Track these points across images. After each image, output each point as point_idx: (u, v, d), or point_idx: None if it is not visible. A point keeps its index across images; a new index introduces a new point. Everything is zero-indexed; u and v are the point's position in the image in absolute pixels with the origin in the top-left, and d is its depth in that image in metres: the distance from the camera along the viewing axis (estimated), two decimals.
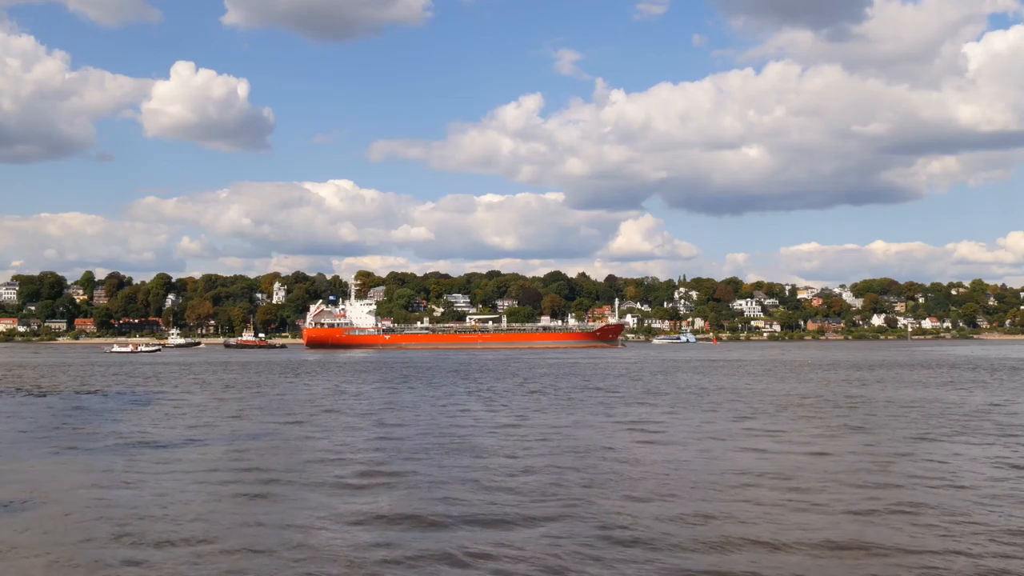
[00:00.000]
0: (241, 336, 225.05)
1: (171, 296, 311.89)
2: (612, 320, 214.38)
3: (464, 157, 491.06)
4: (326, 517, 16.98)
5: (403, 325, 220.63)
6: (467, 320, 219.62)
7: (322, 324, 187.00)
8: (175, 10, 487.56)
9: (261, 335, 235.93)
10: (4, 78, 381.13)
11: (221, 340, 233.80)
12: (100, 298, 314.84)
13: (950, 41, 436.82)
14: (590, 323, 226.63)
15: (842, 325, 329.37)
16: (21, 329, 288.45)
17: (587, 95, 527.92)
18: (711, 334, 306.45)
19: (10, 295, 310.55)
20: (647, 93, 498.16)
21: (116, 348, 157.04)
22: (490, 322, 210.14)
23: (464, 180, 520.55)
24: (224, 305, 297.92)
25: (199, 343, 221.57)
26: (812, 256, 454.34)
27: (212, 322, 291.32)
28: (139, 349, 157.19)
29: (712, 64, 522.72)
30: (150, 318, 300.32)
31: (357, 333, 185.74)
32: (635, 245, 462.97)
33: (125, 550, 14.73)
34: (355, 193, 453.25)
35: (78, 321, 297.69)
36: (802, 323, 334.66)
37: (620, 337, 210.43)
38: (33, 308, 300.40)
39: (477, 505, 17.86)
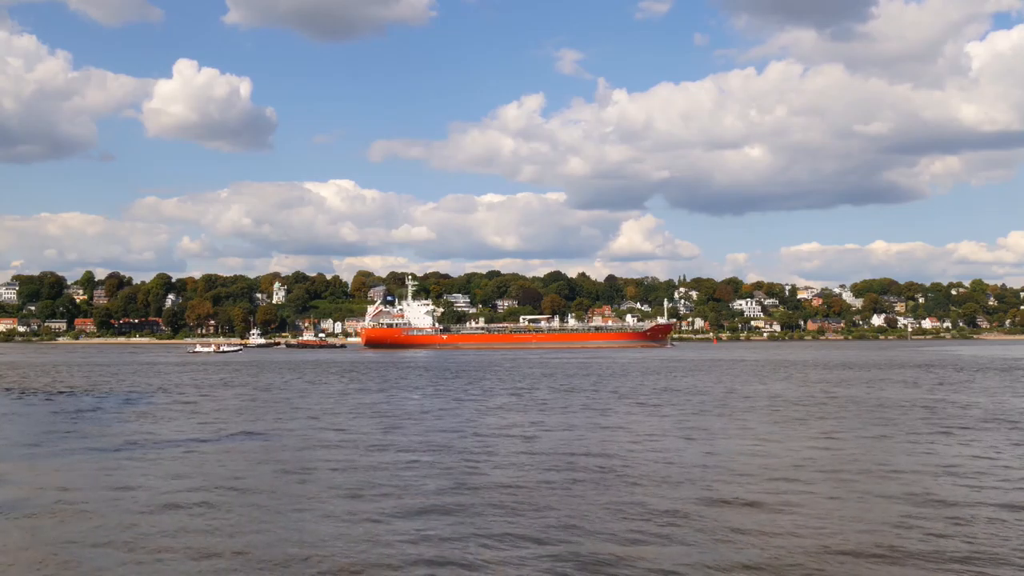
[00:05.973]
0: (302, 336, 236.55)
1: (171, 296, 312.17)
2: (662, 320, 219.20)
3: (465, 157, 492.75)
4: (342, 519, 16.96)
5: (459, 325, 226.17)
6: (520, 320, 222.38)
7: (381, 324, 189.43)
8: (176, 9, 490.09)
9: (320, 335, 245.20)
10: (6, 78, 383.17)
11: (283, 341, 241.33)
12: (100, 298, 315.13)
13: (953, 40, 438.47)
14: (640, 323, 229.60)
15: (842, 325, 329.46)
16: (21, 329, 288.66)
17: (589, 95, 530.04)
18: (711, 334, 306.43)
19: (10, 295, 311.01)
20: (649, 93, 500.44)
21: (199, 348, 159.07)
22: (543, 322, 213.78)
23: (465, 180, 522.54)
24: (224, 305, 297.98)
25: (279, 343, 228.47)
26: (812, 256, 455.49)
27: (212, 322, 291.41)
28: (221, 349, 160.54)
29: (714, 64, 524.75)
30: (150, 318, 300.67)
31: (415, 333, 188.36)
32: (636, 245, 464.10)
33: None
34: (356, 193, 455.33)
35: (78, 321, 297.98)
36: (802, 323, 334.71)
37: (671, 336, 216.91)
38: (33, 308, 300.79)
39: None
